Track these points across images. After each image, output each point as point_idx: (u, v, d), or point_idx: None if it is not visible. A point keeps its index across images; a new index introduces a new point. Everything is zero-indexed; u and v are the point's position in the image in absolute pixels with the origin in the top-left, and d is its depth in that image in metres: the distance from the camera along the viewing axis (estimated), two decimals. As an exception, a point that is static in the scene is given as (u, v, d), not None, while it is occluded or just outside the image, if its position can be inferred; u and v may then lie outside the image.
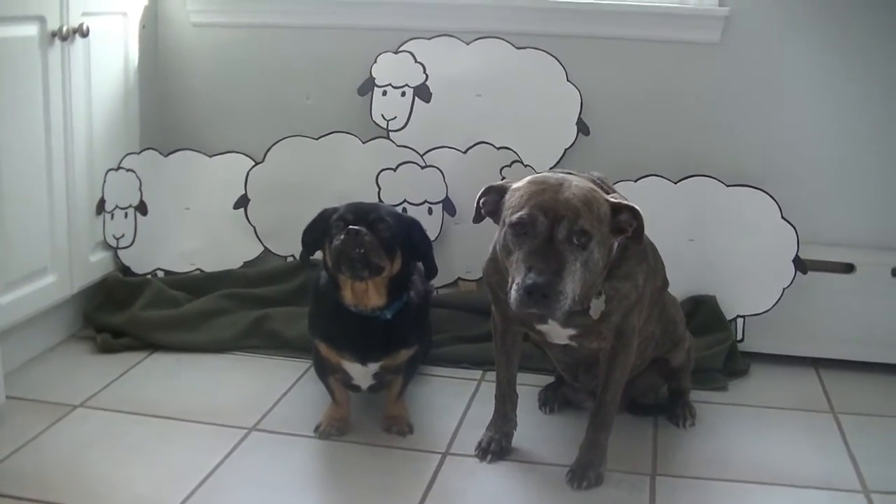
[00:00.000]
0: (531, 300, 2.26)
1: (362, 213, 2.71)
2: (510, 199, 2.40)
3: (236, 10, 3.80)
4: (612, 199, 2.41)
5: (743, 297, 3.44)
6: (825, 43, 3.41)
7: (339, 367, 2.87)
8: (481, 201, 2.50)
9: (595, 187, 2.42)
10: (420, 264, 2.91)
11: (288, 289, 3.66)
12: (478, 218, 2.54)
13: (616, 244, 2.47)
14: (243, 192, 3.73)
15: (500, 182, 2.49)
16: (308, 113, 3.78)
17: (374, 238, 2.66)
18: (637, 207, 2.40)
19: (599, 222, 2.33)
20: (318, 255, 2.84)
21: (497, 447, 2.78)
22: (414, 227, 2.84)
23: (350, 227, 2.65)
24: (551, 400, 3.09)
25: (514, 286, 2.29)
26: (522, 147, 3.57)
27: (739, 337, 3.46)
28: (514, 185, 2.43)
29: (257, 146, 3.74)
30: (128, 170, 3.68)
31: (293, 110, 3.79)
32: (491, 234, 2.50)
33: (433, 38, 3.65)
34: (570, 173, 2.47)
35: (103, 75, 3.50)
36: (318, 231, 2.79)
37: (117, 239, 3.66)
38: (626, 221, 2.40)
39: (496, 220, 2.46)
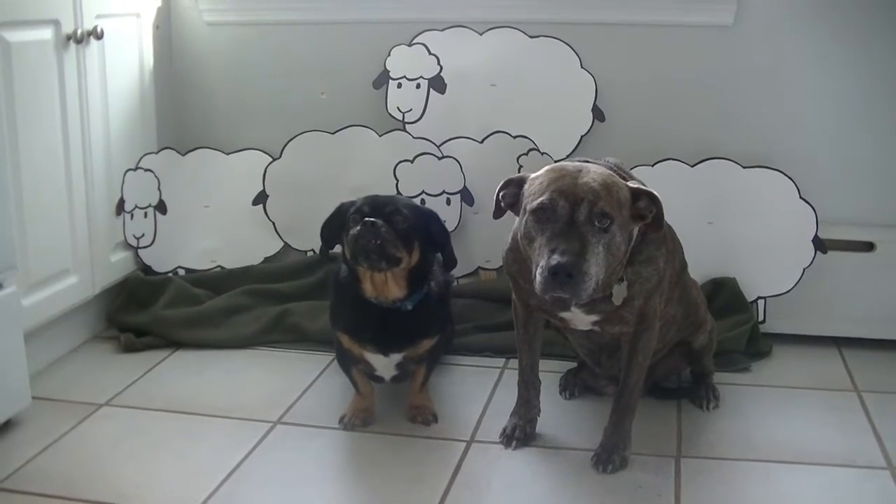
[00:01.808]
0: (556, 282, 2.26)
1: (379, 206, 2.73)
2: (530, 188, 2.41)
3: (249, 9, 3.80)
4: (632, 185, 2.41)
5: (763, 278, 3.43)
6: (840, 22, 3.39)
7: (362, 358, 2.88)
8: (501, 194, 2.50)
9: (613, 173, 2.42)
10: (439, 255, 2.91)
11: (309, 283, 3.68)
12: (498, 212, 2.54)
13: (636, 231, 2.47)
14: (261, 188, 3.75)
15: (518, 174, 2.50)
16: (324, 107, 3.79)
17: (390, 230, 2.67)
18: (656, 193, 2.40)
19: (620, 206, 2.34)
20: (338, 248, 2.85)
21: (521, 433, 2.78)
22: (431, 218, 2.84)
23: (366, 219, 2.66)
24: (571, 385, 3.10)
25: (539, 270, 2.30)
26: (539, 135, 3.57)
27: (761, 318, 3.45)
28: (533, 175, 2.44)
29: (274, 142, 3.75)
30: (146, 170, 3.70)
31: (309, 106, 3.80)
32: (510, 223, 2.50)
33: (446, 29, 3.65)
34: (587, 161, 2.48)
35: (119, 77, 3.52)
36: (337, 225, 2.80)
37: (137, 238, 3.69)
38: (646, 207, 2.40)
39: (516, 212, 2.47)
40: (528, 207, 2.37)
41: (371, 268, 2.70)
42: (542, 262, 2.29)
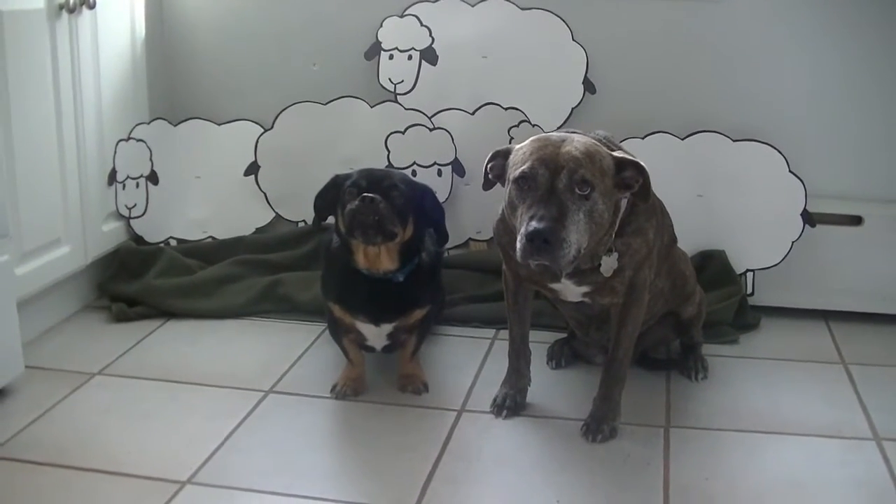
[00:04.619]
0: (533, 247, 2.27)
1: (376, 180, 2.73)
2: (513, 158, 2.42)
3: (241, -22, 3.80)
4: (616, 155, 2.42)
5: (752, 251, 3.44)
6: (830, -4, 3.40)
7: (353, 328, 2.88)
8: (489, 166, 2.52)
9: (599, 143, 2.43)
10: (432, 230, 2.93)
11: (300, 254, 3.69)
12: (487, 184, 2.56)
13: (624, 201, 2.48)
14: (253, 159, 3.75)
15: (504, 146, 2.51)
16: (315, 78, 3.78)
17: (387, 205, 2.68)
18: (642, 163, 2.41)
19: (602, 174, 2.35)
20: (330, 219, 2.86)
21: (512, 403, 2.80)
22: (426, 194, 2.85)
23: (365, 194, 2.66)
24: (558, 354, 3.11)
25: (518, 237, 2.32)
26: (530, 107, 3.57)
27: (749, 291, 3.45)
28: (518, 146, 2.45)
29: (266, 113, 3.74)
30: (138, 140, 3.70)
31: (300, 76, 3.79)
32: (500, 195, 2.51)
33: (438, 0, 3.65)
34: (576, 133, 2.48)
35: (111, 46, 3.50)
36: (331, 197, 2.80)
37: (129, 209, 3.69)
38: (632, 177, 2.41)
39: (503, 184, 2.48)
40: (511, 177, 2.39)
41: (366, 242, 2.72)
42: (521, 230, 2.31)
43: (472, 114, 3.63)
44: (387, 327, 2.87)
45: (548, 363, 3.11)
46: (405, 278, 2.81)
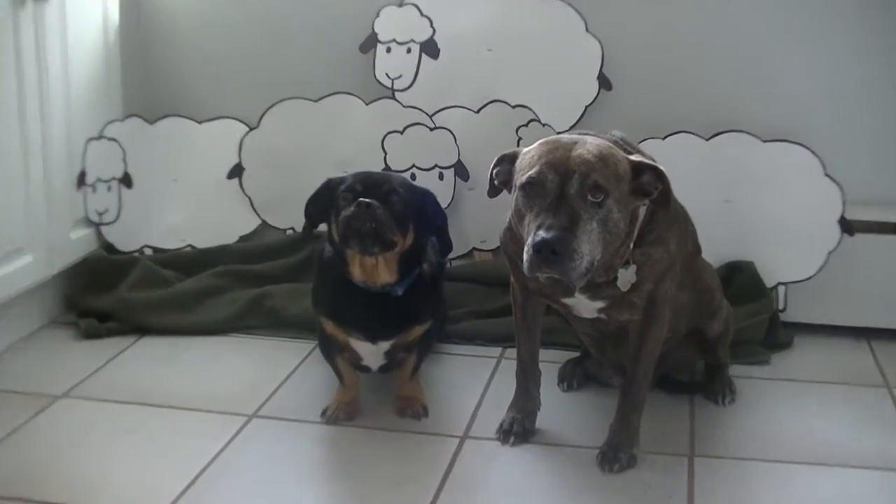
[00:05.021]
0: (540, 259, 2.20)
1: (373, 185, 2.66)
2: (521, 162, 2.38)
3: (225, -39, 3.77)
4: (633, 159, 2.36)
5: (784, 262, 3.36)
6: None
7: (347, 346, 2.81)
8: (494, 172, 2.48)
9: (613, 146, 2.38)
10: (434, 239, 2.88)
11: (288, 264, 3.63)
12: (493, 191, 2.51)
13: (643, 209, 2.42)
14: (237, 160, 3.68)
15: (511, 150, 2.46)
16: (306, 73, 3.72)
17: (385, 211, 2.61)
18: (661, 168, 2.33)
19: (617, 179, 2.28)
20: (322, 227, 2.81)
21: (520, 428, 2.71)
22: (427, 199, 2.78)
23: (361, 199, 2.60)
24: (570, 375, 3.03)
25: (525, 247, 2.25)
26: (540, 105, 3.50)
27: (781, 306, 3.38)
28: (525, 149, 2.40)
29: (251, 110, 3.67)
30: (110, 139, 3.62)
31: (290, 70, 3.73)
32: (507, 201, 2.45)
33: (440, -12, 3.62)
34: (588, 134, 2.41)
35: (81, 37, 3.44)
36: (323, 202, 2.74)
37: (100, 214, 3.62)
38: (650, 183, 2.34)
39: (510, 190, 2.44)
40: (518, 183, 2.34)
41: (363, 252, 2.65)
42: (528, 240, 2.25)
43: (477, 112, 3.56)
44: (384, 345, 2.79)
45: (559, 385, 3.02)
46: (404, 291, 2.73)
